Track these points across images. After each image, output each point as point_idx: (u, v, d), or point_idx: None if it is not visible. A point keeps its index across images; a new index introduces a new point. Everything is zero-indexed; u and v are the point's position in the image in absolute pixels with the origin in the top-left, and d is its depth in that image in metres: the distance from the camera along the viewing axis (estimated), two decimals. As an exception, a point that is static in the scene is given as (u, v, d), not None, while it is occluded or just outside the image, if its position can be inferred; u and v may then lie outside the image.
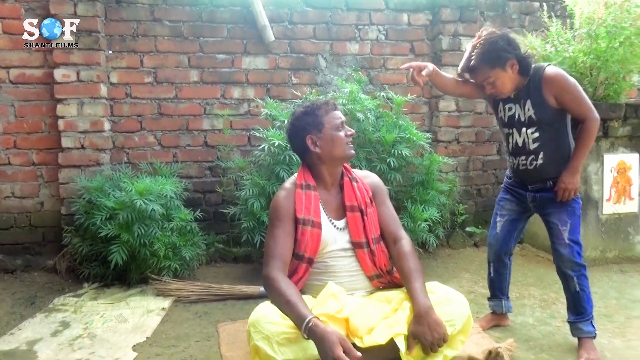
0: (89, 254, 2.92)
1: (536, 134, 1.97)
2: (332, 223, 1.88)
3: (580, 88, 1.92)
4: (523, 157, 2.03)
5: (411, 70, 2.00)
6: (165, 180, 2.95)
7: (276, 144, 2.85)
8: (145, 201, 2.68)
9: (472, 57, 1.94)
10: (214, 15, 3.44)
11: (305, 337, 1.52)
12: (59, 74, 3.16)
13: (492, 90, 1.98)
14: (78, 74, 3.18)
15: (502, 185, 2.25)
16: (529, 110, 1.96)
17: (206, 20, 3.44)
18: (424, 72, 1.99)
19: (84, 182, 3.03)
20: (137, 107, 3.41)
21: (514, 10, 3.86)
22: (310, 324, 1.50)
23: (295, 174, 1.94)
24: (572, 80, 1.92)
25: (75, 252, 2.97)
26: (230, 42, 3.48)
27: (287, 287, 1.66)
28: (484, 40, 1.91)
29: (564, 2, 3.20)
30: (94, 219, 2.75)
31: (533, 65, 1.96)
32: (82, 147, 3.22)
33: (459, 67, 2.02)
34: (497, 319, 2.29)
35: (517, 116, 2.01)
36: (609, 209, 3.11)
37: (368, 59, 3.68)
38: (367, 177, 2.01)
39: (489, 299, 2.32)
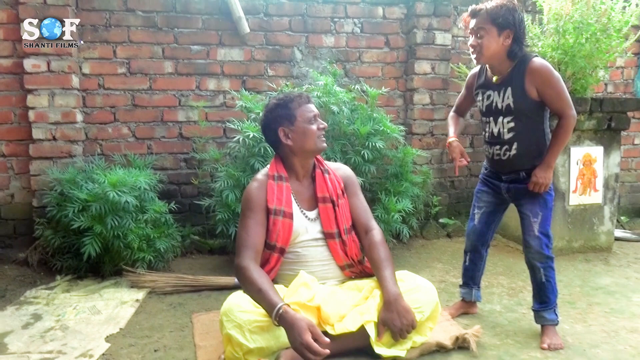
0: (62, 247, 2.88)
1: (512, 124, 2.00)
2: (304, 213, 1.91)
3: (563, 84, 1.94)
4: (497, 147, 2.07)
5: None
6: (139, 172, 2.92)
7: (251, 135, 2.86)
8: (119, 193, 2.66)
9: (486, 3, 1.93)
10: (188, 6, 3.41)
11: (276, 324, 1.56)
12: (28, 64, 3.09)
13: (474, 44, 1.95)
14: (49, 64, 3.12)
15: (479, 176, 2.29)
16: (508, 98, 1.97)
17: (180, 11, 3.40)
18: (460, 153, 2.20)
19: (56, 174, 2.98)
20: (110, 98, 3.37)
21: (487, 5, 3.92)
22: (281, 310, 1.54)
23: (268, 166, 1.97)
24: (557, 74, 1.94)
25: (47, 244, 2.93)
26: (205, 33, 3.46)
27: (259, 276, 1.69)
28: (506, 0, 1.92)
29: (534, -3, 3.27)
30: (66, 211, 2.72)
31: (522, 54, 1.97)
32: (54, 138, 3.17)
33: (470, 8, 1.97)
34: (465, 306, 2.35)
35: (494, 104, 2.03)
36: (575, 200, 3.21)
37: (343, 51, 3.71)
38: (339, 169, 2.04)
39: (460, 286, 2.37)
